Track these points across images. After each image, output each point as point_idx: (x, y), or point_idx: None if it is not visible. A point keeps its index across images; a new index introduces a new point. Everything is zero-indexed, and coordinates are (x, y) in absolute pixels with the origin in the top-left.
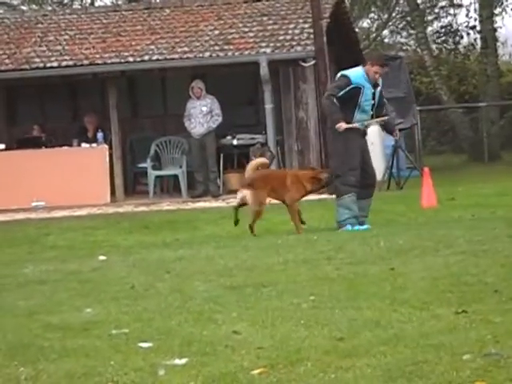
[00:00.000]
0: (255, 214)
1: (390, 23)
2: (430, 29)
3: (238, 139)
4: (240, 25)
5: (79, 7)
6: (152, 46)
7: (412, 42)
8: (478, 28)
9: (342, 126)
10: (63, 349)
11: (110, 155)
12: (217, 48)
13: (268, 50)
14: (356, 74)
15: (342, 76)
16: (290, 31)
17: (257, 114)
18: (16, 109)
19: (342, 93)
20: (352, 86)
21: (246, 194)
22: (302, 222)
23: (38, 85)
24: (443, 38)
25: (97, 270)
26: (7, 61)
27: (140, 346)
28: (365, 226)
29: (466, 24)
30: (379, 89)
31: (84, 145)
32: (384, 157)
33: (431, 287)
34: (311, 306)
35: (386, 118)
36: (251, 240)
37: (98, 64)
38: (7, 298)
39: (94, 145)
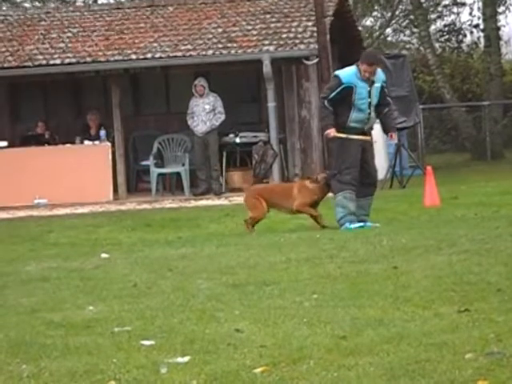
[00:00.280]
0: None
1: (393, 21)
2: (433, 27)
3: (241, 137)
4: (243, 23)
5: (82, 5)
6: (155, 44)
7: (415, 41)
8: (482, 26)
9: (330, 133)
10: (65, 346)
11: (113, 153)
12: (220, 46)
13: (271, 48)
14: (347, 73)
15: (334, 76)
16: (293, 29)
17: (259, 112)
18: (19, 106)
19: (333, 94)
20: (343, 86)
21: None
22: (324, 227)
23: (41, 82)
24: (446, 37)
25: (99, 267)
26: (10, 58)
27: (142, 344)
28: (367, 224)
29: (470, 22)
30: (377, 86)
31: (87, 142)
32: (387, 155)
33: (434, 286)
34: (314, 304)
35: (368, 138)
36: (253, 238)
37: (100, 61)
38: (10, 295)
39: (97, 142)
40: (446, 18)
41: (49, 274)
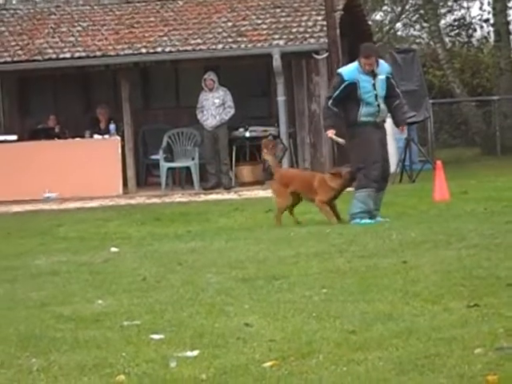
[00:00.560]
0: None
1: (403, 16)
2: (443, 22)
3: (251, 131)
4: (253, 17)
5: None
6: (165, 38)
7: (425, 35)
8: (492, 21)
9: (328, 134)
10: (75, 340)
11: (122, 147)
12: (230, 40)
13: (281, 42)
14: (349, 69)
15: (336, 74)
16: (303, 23)
17: (269, 106)
18: (28, 100)
19: (337, 92)
20: (346, 83)
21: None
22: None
23: (51, 76)
24: (456, 31)
25: (109, 261)
26: (20, 52)
27: (151, 338)
28: (378, 219)
29: (480, 17)
30: (381, 78)
31: (96, 136)
32: (396, 150)
33: (443, 280)
34: (323, 298)
35: (342, 141)
36: (263, 233)
37: (110, 55)
38: (19, 289)
39: (107, 136)
40: (456, 13)
41: (58, 267)
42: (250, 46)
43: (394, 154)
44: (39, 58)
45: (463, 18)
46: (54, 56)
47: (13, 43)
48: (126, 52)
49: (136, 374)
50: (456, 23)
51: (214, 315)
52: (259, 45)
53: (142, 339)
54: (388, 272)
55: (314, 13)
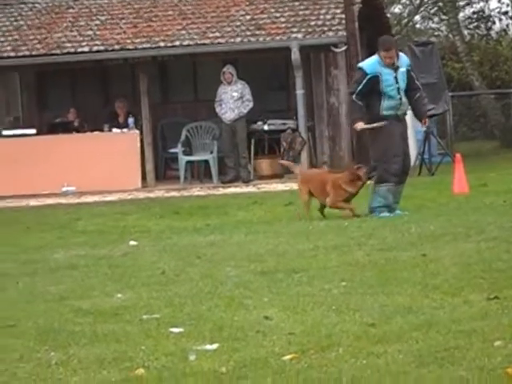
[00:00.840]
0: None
1: (422, 9)
2: (461, 14)
3: (269, 125)
4: (271, 10)
5: None
6: (183, 32)
7: (444, 28)
8: (511, 13)
9: (357, 127)
10: (94, 334)
11: (141, 140)
12: (248, 33)
13: (299, 36)
14: (370, 63)
15: (358, 69)
16: (321, 16)
17: (288, 99)
18: (47, 94)
19: (360, 86)
20: (369, 77)
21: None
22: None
23: (69, 70)
24: (475, 24)
25: (127, 255)
26: (38, 46)
27: (171, 331)
28: (397, 212)
29: (499, 9)
30: (402, 71)
31: (115, 130)
32: (415, 143)
33: (463, 273)
34: (342, 291)
35: (376, 125)
36: (282, 226)
37: (129, 49)
38: (38, 282)
39: (125, 130)
40: (474, 5)
41: (77, 261)
42: (268, 39)
43: (414, 147)
44: (57, 51)
45: (482, 10)
46: (72, 50)
47: (31, 37)
48: (145, 46)
49: (155, 367)
50: (475, 16)
51: (233, 308)
52: (278, 38)
53: (161, 333)
54: (407, 265)
55: (332, 6)
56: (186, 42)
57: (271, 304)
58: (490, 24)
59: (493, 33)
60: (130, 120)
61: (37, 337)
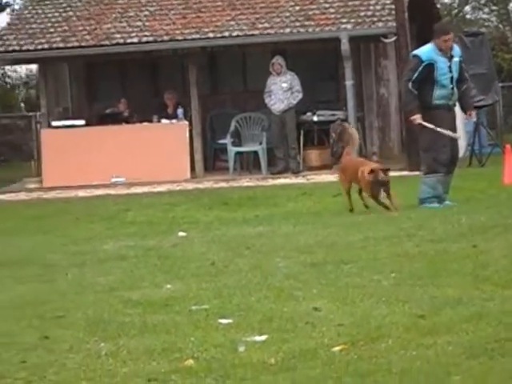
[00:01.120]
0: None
1: None
2: (511, 5)
3: (319, 115)
4: (321, 0)
5: None
6: (232, 22)
7: (494, 19)
8: None
9: (416, 120)
10: (143, 324)
11: (190, 131)
12: (297, 24)
13: (349, 26)
14: (426, 50)
15: (413, 56)
16: (371, 7)
17: (337, 90)
18: (96, 85)
19: (416, 74)
20: (424, 64)
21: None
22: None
23: (118, 61)
24: None
25: (177, 246)
26: (88, 37)
27: (220, 322)
28: (446, 203)
29: None
30: (455, 60)
31: (164, 121)
32: (465, 134)
33: None
34: (392, 283)
35: (458, 136)
36: (331, 217)
37: (178, 40)
38: (87, 273)
39: (174, 121)
40: None
41: (126, 252)
42: (317, 29)
43: (464, 138)
44: (107, 42)
45: None
46: (121, 41)
47: (80, 28)
48: (194, 36)
49: (205, 358)
50: None
51: (282, 300)
52: (327, 29)
53: (210, 324)
54: (457, 256)
55: None
56: (235, 33)
57: (320, 295)
58: None
59: None
60: (180, 111)
61: (86, 328)
